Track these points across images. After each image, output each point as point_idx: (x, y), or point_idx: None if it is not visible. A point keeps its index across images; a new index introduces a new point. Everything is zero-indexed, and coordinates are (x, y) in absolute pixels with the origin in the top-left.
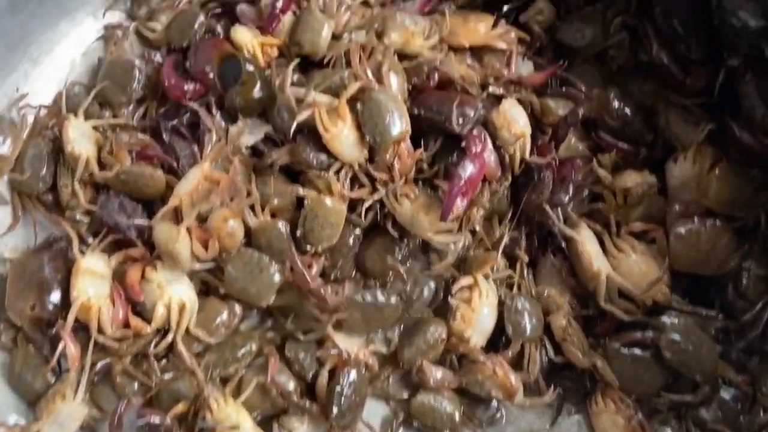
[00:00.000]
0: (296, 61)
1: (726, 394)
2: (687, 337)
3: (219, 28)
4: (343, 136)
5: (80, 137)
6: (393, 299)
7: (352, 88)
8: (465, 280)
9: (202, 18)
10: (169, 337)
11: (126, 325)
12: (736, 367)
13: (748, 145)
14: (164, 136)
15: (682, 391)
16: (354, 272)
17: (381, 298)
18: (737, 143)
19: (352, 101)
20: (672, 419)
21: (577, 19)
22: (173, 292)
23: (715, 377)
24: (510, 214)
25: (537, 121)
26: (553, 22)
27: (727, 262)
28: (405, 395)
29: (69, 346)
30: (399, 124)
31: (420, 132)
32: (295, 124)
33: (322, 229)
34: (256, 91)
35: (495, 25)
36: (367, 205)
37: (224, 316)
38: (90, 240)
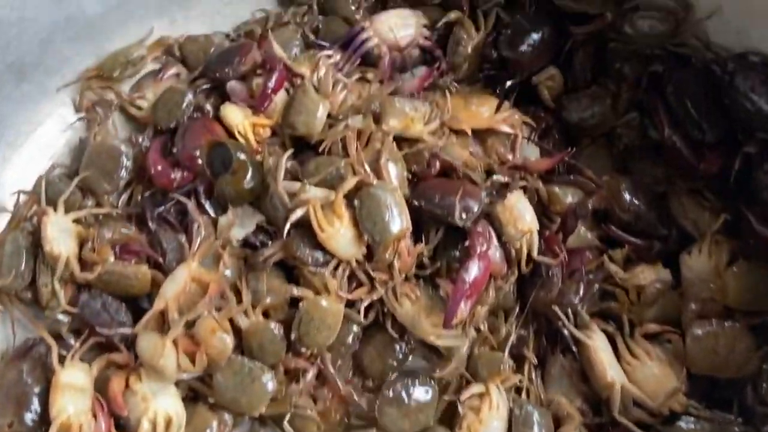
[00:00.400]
0: (289, 152)
1: None
2: None
3: (208, 106)
4: (339, 235)
5: (60, 234)
6: (429, 391)
7: (349, 183)
8: (476, 388)
9: (190, 97)
10: None
11: None
12: None
13: (765, 238)
14: (150, 224)
15: None
16: (351, 372)
17: (417, 390)
18: (755, 237)
19: (348, 197)
20: None
21: (585, 96)
22: (159, 406)
23: None
24: (517, 310)
25: (544, 208)
26: (561, 92)
27: (746, 365)
28: None
29: None
30: (399, 222)
31: (420, 222)
32: (288, 225)
33: (319, 332)
34: (247, 181)
35: (498, 107)
36: (365, 303)
37: (213, 427)
38: (72, 341)
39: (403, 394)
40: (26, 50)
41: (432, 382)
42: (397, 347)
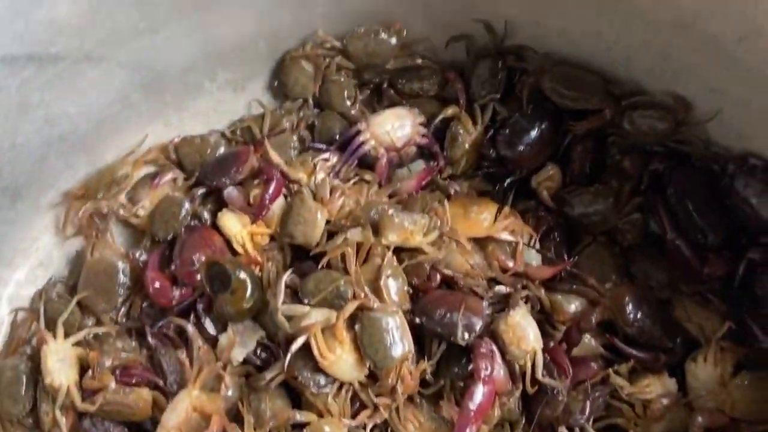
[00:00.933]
0: (288, 272)
1: None
2: None
3: (206, 214)
4: (341, 361)
5: (60, 365)
6: None
7: (350, 308)
8: None
9: (187, 206)
10: None
11: None
12: None
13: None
14: (150, 340)
15: None
16: None
17: None
18: (759, 347)
19: (350, 316)
20: None
21: (587, 193)
22: None
23: None
24: (522, 422)
25: (547, 316)
26: (560, 187)
27: None
28: None
29: None
30: (401, 347)
31: (422, 334)
32: (289, 356)
33: None
34: (246, 300)
35: (498, 212)
36: (370, 426)
37: None
38: None
39: None
40: (20, 172)
41: None
42: None
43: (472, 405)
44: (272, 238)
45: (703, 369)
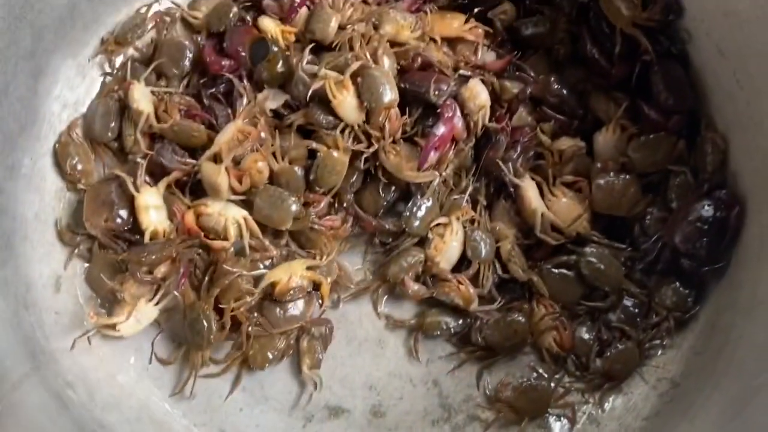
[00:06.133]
0: (311, 45)
1: (628, 302)
2: (601, 260)
3: (248, 18)
4: (346, 103)
5: (142, 98)
6: None
7: (354, 66)
8: (442, 219)
9: (235, 9)
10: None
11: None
12: (637, 284)
13: (654, 120)
14: (205, 101)
15: (595, 300)
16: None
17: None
18: (646, 119)
19: (354, 76)
20: (588, 321)
21: (532, 22)
22: (232, 214)
23: (621, 290)
24: (473, 169)
25: (496, 97)
26: (513, 20)
27: (635, 207)
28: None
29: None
30: (389, 94)
31: (405, 102)
32: (311, 92)
33: (330, 176)
34: (279, 67)
35: (467, 21)
36: (365, 156)
37: None
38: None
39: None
40: None
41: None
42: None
43: (437, 132)
44: (297, 40)
45: (605, 136)
